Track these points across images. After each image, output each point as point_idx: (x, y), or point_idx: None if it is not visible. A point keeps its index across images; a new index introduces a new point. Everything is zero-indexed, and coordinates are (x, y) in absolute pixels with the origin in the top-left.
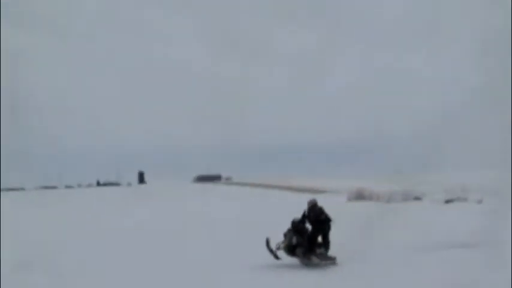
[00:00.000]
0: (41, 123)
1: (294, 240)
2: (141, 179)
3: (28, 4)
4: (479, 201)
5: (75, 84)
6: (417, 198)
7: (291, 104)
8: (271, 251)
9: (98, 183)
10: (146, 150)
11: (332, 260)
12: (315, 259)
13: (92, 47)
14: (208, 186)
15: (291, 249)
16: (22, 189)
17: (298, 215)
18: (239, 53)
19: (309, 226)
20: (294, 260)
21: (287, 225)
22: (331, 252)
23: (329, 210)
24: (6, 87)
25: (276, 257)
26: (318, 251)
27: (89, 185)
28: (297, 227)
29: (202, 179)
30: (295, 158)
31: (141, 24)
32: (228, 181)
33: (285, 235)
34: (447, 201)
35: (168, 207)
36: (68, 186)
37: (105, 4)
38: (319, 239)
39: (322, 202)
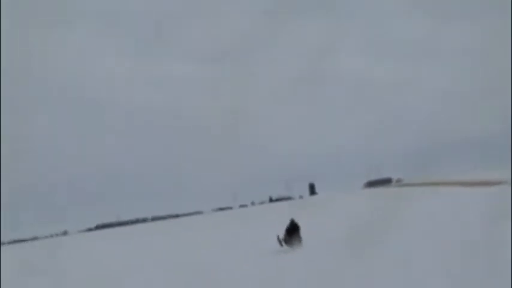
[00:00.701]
0: (213, 149)
1: (286, 237)
2: (312, 190)
3: None
4: None
5: (243, 106)
6: None
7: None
8: (279, 241)
9: (271, 200)
10: (315, 161)
11: (301, 245)
12: (294, 245)
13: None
14: (379, 190)
15: (285, 241)
16: (200, 212)
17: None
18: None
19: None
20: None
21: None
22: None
23: None
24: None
25: (281, 244)
26: (296, 241)
27: (262, 202)
28: (287, 231)
29: (373, 183)
30: (463, 152)
31: None
32: (399, 183)
33: (284, 234)
34: None
35: (342, 218)
36: (242, 206)
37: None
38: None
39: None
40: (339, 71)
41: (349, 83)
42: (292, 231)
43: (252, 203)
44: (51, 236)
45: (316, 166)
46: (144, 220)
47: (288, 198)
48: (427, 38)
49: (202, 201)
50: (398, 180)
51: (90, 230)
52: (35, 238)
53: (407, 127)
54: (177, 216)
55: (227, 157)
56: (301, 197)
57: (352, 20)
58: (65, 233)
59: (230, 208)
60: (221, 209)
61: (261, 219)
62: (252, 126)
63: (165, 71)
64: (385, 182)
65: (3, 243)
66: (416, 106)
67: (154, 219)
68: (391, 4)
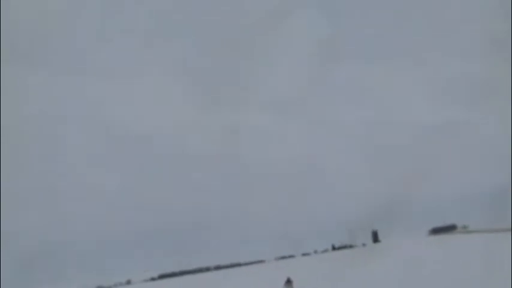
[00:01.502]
0: (277, 198)
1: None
2: (375, 237)
3: None
4: None
5: (311, 155)
6: None
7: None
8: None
9: (333, 248)
10: (377, 207)
11: None
12: None
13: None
14: (445, 237)
15: None
16: (262, 261)
17: None
18: None
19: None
20: None
21: None
22: None
23: None
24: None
25: None
26: None
27: (325, 250)
28: (285, 283)
29: (437, 230)
30: None
31: None
32: (465, 230)
33: (285, 284)
34: None
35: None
36: (304, 254)
37: None
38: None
39: None
40: (406, 118)
41: (414, 128)
42: (288, 283)
43: (315, 252)
44: (115, 285)
45: (378, 212)
46: (207, 269)
47: (351, 246)
48: None
49: (265, 249)
50: (464, 227)
51: (153, 279)
52: (99, 287)
53: (473, 173)
54: (239, 265)
55: (290, 205)
56: (364, 244)
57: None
58: (128, 282)
59: (292, 256)
60: (283, 257)
61: (315, 270)
62: (317, 174)
63: (237, 120)
64: (450, 228)
65: None
66: (482, 150)
67: (217, 268)
68: None
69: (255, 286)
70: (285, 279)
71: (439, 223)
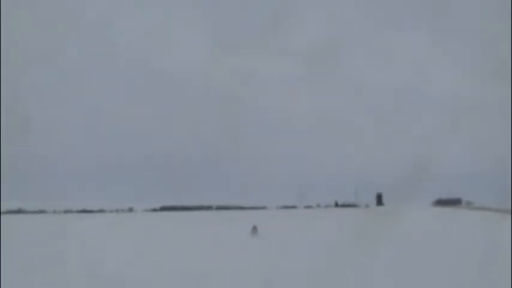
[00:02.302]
0: (287, 147)
1: (252, 231)
2: (379, 201)
3: None
4: None
5: (327, 109)
6: None
7: None
8: (251, 232)
9: (336, 204)
10: (385, 172)
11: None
12: (254, 234)
13: None
14: (448, 210)
15: (252, 232)
16: (264, 207)
17: None
18: None
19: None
20: None
21: None
22: None
23: None
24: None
25: (251, 234)
26: (255, 233)
27: (327, 206)
28: (252, 229)
29: (442, 202)
30: None
31: None
32: (469, 205)
33: (251, 230)
34: None
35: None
36: (307, 207)
37: None
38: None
39: None
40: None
41: (438, 99)
42: (254, 229)
43: (318, 205)
44: (117, 211)
45: (385, 176)
46: (208, 208)
47: (354, 206)
48: None
49: (268, 196)
50: (469, 203)
51: (155, 210)
52: (101, 210)
53: (487, 150)
54: (241, 208)
55: (300, 157)
56: (367, 205)
57: None
58: (130, 209)
59: (295, 207)
60: (286, 207)
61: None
62: (329, 130)
63: (257, 66)
64: (455, 202)
65: (72, 211)
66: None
67: (218, 208)
68: None
69: (233, 229)
70: (251, 226)
71: (444, 195)
